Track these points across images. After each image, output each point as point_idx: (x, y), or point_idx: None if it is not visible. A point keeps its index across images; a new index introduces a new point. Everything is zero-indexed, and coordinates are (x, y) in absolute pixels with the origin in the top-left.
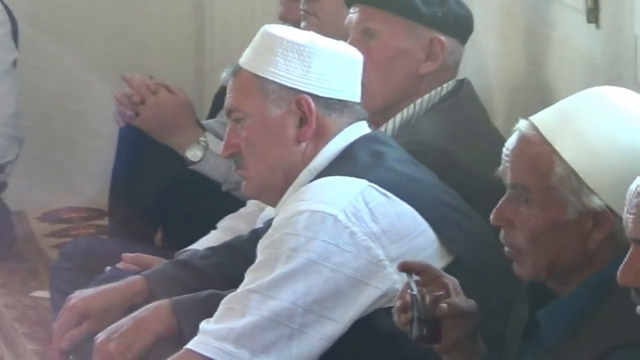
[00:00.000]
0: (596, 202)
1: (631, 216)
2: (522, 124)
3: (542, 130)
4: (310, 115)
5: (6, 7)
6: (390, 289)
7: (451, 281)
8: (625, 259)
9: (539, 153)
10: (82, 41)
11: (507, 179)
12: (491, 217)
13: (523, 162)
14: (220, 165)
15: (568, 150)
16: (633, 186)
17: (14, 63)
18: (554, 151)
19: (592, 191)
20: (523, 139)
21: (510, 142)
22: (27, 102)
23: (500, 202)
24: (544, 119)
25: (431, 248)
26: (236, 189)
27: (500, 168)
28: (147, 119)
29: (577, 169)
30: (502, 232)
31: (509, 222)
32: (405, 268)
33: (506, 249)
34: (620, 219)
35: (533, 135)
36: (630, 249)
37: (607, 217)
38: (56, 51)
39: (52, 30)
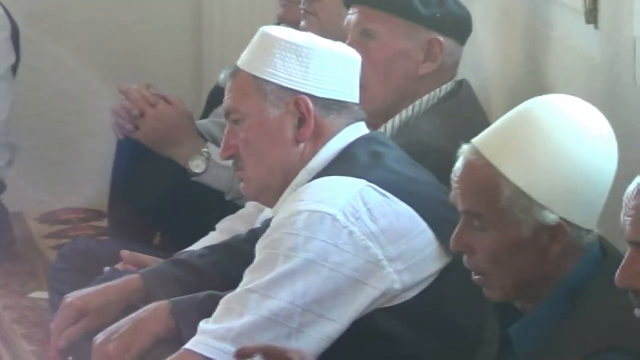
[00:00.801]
0: (549, 217)
1: (629, 218)
2: (465, 149)
3: (485, 153)
4: (309, 115)
5: (6, 11)
6: (389, 288)
7: (298, 355)
8: (624, 261)
9: (484, 177)
10: (81, 41)
11: (459, 206)
12: (450, 244)
13: (471, 189)
14: (224, 175)
15: (512, 170)
16: (630, 188)
17: (13, 68)
18: (499, 174)
19: (543, 207)
20: (468, 165)
21: (457, 169)
22: (25, 103)
23: (457, 228)
24: (486, 142)
25: (429, 248)
26: (240, 198)
27: (451, 195)
28: (147, 132)
29: (524, 188)
30: (464, 258)
31: (469, 247)
32: (242, 354)
33: (474, 275)
34: (576, 227)
35: (477, 160)
36: (628, 251)
37: (562, 229)
38: (54, 51)
39: (51, 30)
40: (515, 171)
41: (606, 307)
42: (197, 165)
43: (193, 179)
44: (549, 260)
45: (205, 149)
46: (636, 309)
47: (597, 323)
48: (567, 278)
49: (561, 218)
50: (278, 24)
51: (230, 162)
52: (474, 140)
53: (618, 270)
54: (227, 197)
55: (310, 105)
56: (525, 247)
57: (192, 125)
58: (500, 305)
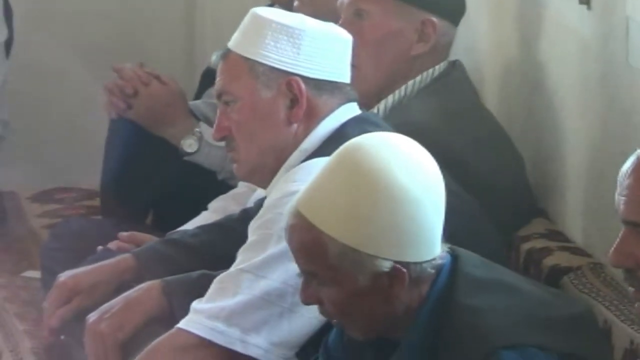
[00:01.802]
0: (382, 264)
1: (623, 198)
2: (288, 211)
3: (307, 215)
4: (301, 96)
5: None
6: None
7: None
8: (617, 241)
9: (309, 240)
10: (75, 21)
11: (298, 267)
12: (301, 299)
13: (301, 252)
14: (216, 154)
15: (334, 228)
16: (624, 168)
17: (6, 45)
18: (322, 233)
19: (373, 256)
20: (292, 229)
21: (285, 230)
22: (19, 83)
23: (301, 284)
24: (307, 202)
25: None
26: (232, 178)
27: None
28: (140, 111)
29: (349, 243)
30: (318, 308)
31: (319, 300)
32: None
33: (333, 320)
34: (413, 264)
35: (300, 222)
36: (622, 231)
37: (398, 272)
38: (48, 30)
39: (45, 9)
40: (338, 228)
41: (470, 316)
42: (189, 145)
43: (185, 158)
44: (396, 299)
45: (198, 129)
46: (629, 287)
47: (468, 334)
48: (424, 305)
49: (395, 262)
50: (271, 5)
51: (222, 142)
52: (297, 200)
53: (611, 250)
54: (220, 177)
55: (302, 86)
56: (367, 294)
57: (185, 104)
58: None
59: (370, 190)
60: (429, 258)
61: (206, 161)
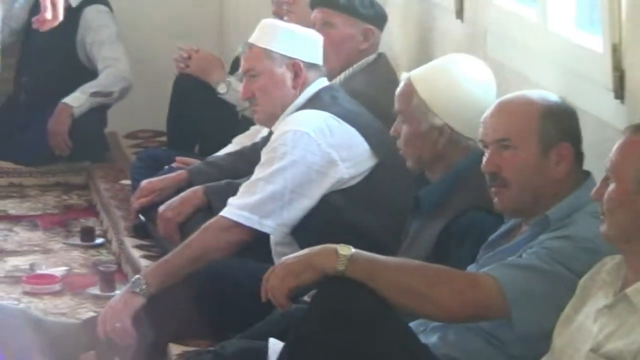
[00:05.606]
0: (438, 121)
1: (490, 128)
2: (404, 76)
3: (412, 78)
4: (301, 72)
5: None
6: (341, 177)
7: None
8: (486, 157)
9: (407, 91)
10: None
11: (396, 107)
12: (391, 131)
13: (398, 97)
14: (237, 96)
15: (421, 88)
16: (485, 115)
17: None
18: (414, 90)
19: (434, 114)
20: (403, 83)
21: (399, 86)
22: None
23: (394, 125)
24: (416, 72)
25: (366, 154)
26: (245, 110)
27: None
28: (193, 67)
29: (424, 99)
30: (397, 141)
31: (398, 134)
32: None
33: (400, 151)
34: (456, 132)
35: (406, 81)
36: (489, 151)
37: (445, 130)
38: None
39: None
40: (422, 89)
41: (477, 184)
42: (222, 88)
43: (219, 96)
44: (439, 148)
45: (229, 79)
46: (492, 189)
47: (469, 194)
48: (456, 164)
49: (446, 124)
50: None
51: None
52: (412, 71)
53: (484, 163)
54: (238, 109)
55: (302, 66)
56: (423, 137)
57: (221, 64)
58: (419, 180)
59: (455, 78)
60: (467, 135)
61: (231, 99)
